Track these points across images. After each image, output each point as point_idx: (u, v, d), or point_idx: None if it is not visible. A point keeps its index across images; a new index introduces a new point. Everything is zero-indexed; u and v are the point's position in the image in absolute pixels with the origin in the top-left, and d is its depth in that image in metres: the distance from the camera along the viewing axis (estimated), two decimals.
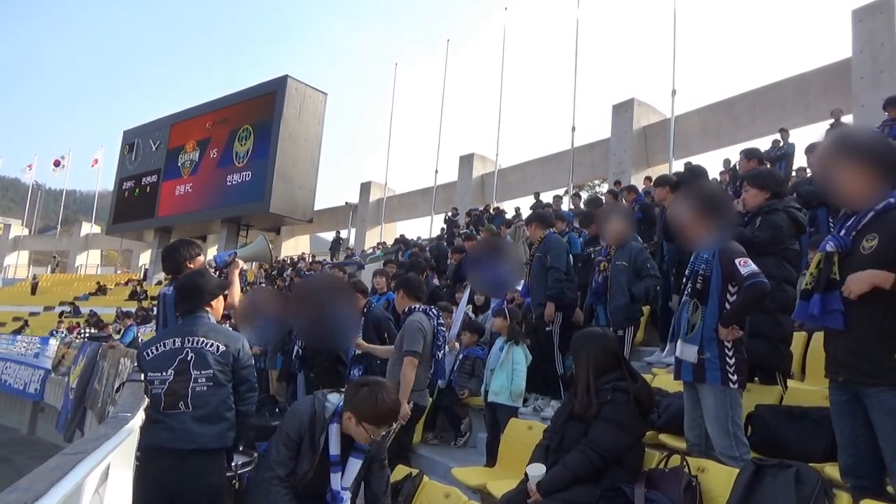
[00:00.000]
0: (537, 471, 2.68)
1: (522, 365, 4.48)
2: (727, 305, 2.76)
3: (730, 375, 2.72)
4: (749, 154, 5.55)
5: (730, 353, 2.74)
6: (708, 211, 2.88)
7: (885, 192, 2.13)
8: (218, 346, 2.70)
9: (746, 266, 2.70)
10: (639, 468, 2.73)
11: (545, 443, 2.91)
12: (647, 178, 12.95)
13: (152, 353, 2.67)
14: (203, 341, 2.69)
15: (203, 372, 2.63)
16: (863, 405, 2.12)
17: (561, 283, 4.85)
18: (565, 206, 14.39)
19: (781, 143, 10.95)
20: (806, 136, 16.26)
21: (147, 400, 2.62)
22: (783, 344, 3.43)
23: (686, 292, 2.91)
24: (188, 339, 2.68)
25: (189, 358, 2.64)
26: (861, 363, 2.12)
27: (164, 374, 2.60)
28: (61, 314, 20.90)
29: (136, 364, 2.96)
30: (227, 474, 2.79)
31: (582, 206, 10.99)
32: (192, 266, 3.60)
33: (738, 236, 3.22)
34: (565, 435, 2.77)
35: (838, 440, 2.26)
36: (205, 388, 2.62)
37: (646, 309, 5.61)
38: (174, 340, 2.68)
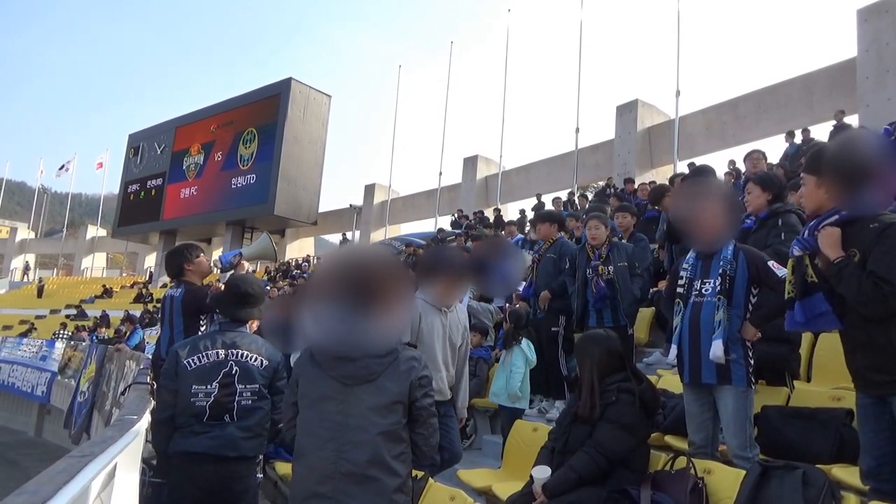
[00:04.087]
0: (542, 473, 2.67)
1: (520, 367, 4.48)
2: (749, 307, 2.77)
3: (751, 376, 2.74)
4: (764, 156, 5.65)
5: (750, 354, 2.75)
6: (724, 207, 2.84)
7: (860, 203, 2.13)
8: (262, 361, 2.73)
9: (781, 269, 2.66)
10: (644, 470, 2.72)
11: (550, 445, 2.90)
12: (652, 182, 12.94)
13: (194, 363, 2.63)
14: (247, 355, 2.71)
15: (248, 386, 2.66)
16: (888, 409, 2.12)
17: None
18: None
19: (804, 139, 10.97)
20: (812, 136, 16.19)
21: (164, 404, 2.63)
22: (797, 346, 3.46)
23: (706, 292, 2.83)
24: (231, 352, 2.68)
25: (234, 371, 2.65)
26: (880, 376, 2.12)
27: (208, 386, 2.60)
28: (93, 322, 20.57)
29: (147, 368, 2.98)
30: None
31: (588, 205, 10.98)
32: (191, 268, 3.67)
33: (777, 251, 3.20)
34: (570, 437, 2.76)
35: (861, 443, 2.25)
36: (250, 401, 2.66)
37: (650, 310, 5.61)
38: (217, 353, 2.67)
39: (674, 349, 2.94)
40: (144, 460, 3.00)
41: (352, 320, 1.75)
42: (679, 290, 2.95)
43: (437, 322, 3.22)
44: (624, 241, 5.15)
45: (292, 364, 3.31)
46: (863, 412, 2.23)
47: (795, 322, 2.30)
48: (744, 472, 2.43)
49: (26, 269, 36.22)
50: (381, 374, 1.88)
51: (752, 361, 2.75)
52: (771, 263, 2.73)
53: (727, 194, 2.99)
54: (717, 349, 2.71)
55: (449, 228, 16.77)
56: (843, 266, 2.09)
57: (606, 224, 4.82)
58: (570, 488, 2.57)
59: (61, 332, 18.31)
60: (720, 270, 2.80)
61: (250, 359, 2.71)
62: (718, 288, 2.78)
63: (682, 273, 2.97)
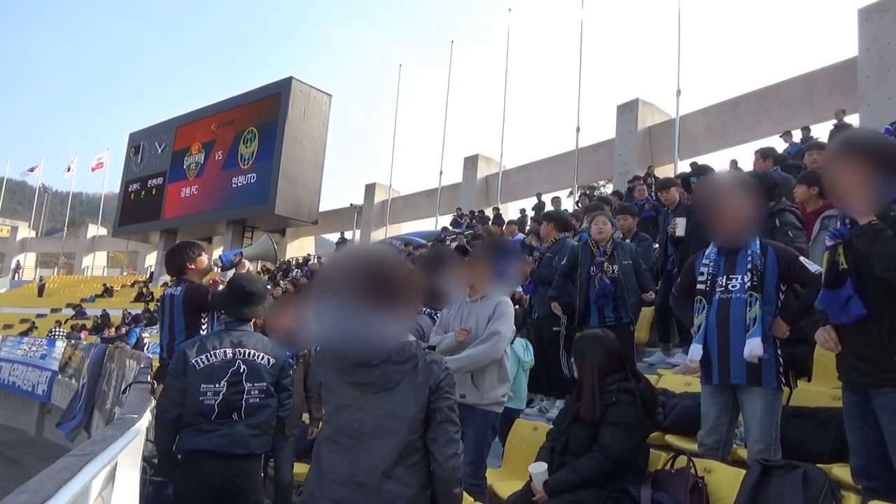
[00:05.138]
0: (539, 468, 2.68)
1: (511, 367, 4.48)
2: (778, 304, 2.70)
3: (781, 377, 2.67)
4: (765, 154, 5.55)
5: (780, 353, 2.68)
6: (746, 198, 2.72)
7: (888, 192, 2.11)
8: (269, 359, 2.77)
9: (813, 265, 2.62)
10: (644, 468, 2.72)
11: (549, 445, 2.90)
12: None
13: (203, 363, 2.65)
14: (255, 353, 2.74)
15: (256, 384, 2.70)
16: (872, 407, 2.12)
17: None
18: (571, 206, 14.35)
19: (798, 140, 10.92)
20: (811, 135, 16.17)
21: (172, 403, 2.64)
22: (814, 346, 3.42)
23: (734, 288, 2.73)
24: (239, 351, 2.71)
25: (241, 370, 2.68)
26: (864, 365, 2.13)
27: (217, 385, 2.63)
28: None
29: (147, 367, 3.00)
30: None
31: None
32: (193, 267, 3.68)
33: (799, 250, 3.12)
34: (570, 438, 2.75)
35: (850, 441, 2.25)
36: (257, 399, 2.69)
37: (650, 310, 5.60)
38: (225, 352, 2.69)
39: (697, 348, 2.79)
40: (145, 459, 3.00)
41: (363, 320, 1.70)
42: (700, 286, 2.83)
43: (452, 315, 3.20)
44: (627, 241, 5.15)
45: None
46: (849, 411, 2.24)
47: (821, 309, 2.30)
48: (744, 472, 2.43)
49: (17, 268, 35.98)
50: (399, 382, 1.80)
51: (781, 361, 2.67)
52: (802, 259, 2.66)
53: (748, 184, 2.85)
54: (755, 347, 2.59)
55: (451, 228, 16.74)
56: (880, 228, 2.05)
57: (613, 222, 4.82)
58: (572, 489, 2.57)
59: (57, 329, 18.34)
60: (749, 265, 2.69)
61: (258, 357, 2.74)
62: (749, 284, 2.67)
63: (703, 269, 2.84)
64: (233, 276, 3.14)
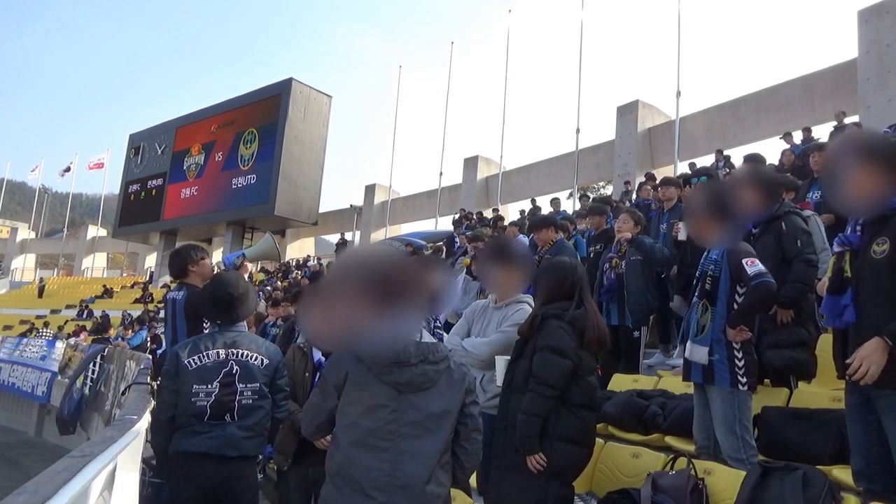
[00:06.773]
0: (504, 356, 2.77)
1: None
2: (735, 307, 2.73)
3: (739, 377, 2.68)
4: (747, 159, 5.62)
5: (738, 355, 2.70)
6: (717, 210, 2.82)
7: (890, 192, 2.11)
8: (262, 360, 2.75)
9: (753, 266, 2.66)
10: (589, 405, 2.59)
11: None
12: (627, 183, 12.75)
13: (195, 363, 2.64)
14: (248, 354, 2.72)
15: (249, 385, 2.68)
16: (875, 408, 2.12)
17: None
18: (570, 207, 14.35)
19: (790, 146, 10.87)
20: (812, 136, 16.16)
21: (166, 405, 2.61)
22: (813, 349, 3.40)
23: (696, 293, 2.89)
24: (232, 352, 2.70)
25: (234, 371, 2.67)
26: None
27: (209, 386, 2.61)
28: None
29: (147, 367, 2.97)
30: None
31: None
32: (195, 269, 3.65)
33: (804, 269, 3.18)
34: (515, 373, 2.66)
35: (851, 443, 2.25)
36: (250, 400, 2.67)
37: None
38: (217, 352, 2.68)
39: (683, 346, 2.96)
40: (144, 460, 3.00)
41: (389, 320, 1.69)
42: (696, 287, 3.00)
43: (476, 320, 3.22)
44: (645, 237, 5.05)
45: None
46: (851, 412, 2.24)
47: (821, 313, 2.37)
48: (744, 473, 2.43)
49: (1, 268, 35.80)
50: (436, 381, 1.82)
51: (739, 363, 2.70)
52: (745, 261, 2.68)
53: (709, 204, 2.90)
54: (694, 352, 2.73)
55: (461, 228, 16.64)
56: None
57: (637, 220, 4.82)
58: (535, 431, 2.46)
59: (44, 330, 18.31)
60: (705, 270, 2.83)
61: (251, 358, 2.72)
62: (699, 290, 2.83)
63: (697, 272, 3.00)
64: (213, 283, 2.97)
